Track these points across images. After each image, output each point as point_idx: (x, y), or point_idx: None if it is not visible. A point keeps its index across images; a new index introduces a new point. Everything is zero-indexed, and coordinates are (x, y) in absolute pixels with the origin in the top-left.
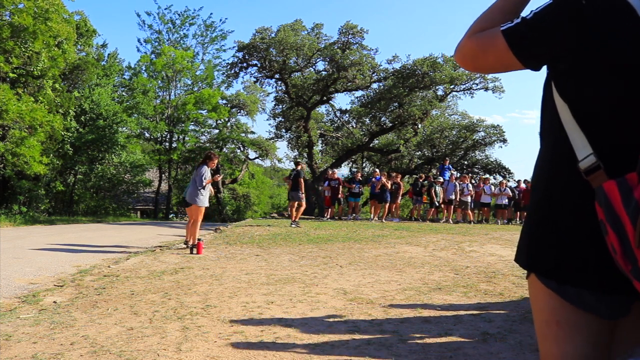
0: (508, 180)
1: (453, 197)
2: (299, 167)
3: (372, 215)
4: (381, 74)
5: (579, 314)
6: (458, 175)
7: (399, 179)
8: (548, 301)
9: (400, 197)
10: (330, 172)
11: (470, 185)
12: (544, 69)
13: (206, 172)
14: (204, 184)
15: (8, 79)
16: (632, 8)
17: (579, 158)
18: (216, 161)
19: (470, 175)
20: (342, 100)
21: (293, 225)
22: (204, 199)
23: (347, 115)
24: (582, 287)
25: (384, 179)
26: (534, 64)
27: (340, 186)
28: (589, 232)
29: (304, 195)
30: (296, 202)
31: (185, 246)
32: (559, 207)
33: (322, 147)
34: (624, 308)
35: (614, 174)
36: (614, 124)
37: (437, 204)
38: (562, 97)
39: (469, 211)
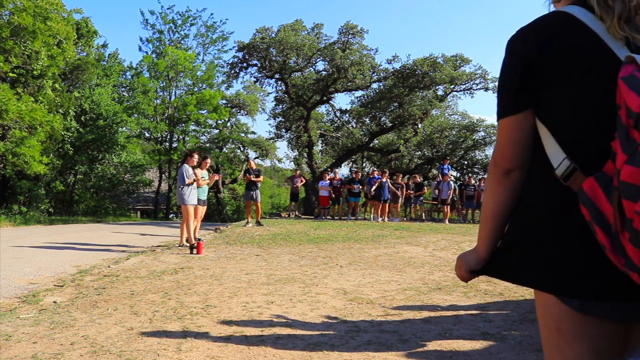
0: None
1: (448, 196)
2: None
3: (372, 215)
4: (381, 74)
5: (580, 320)
6: (447, 173)
7: (400, 179)
8: (549, 307)
9: (402, 198)
10: (330, 173)
11: (388, 181)
12: None
13: (186, 170)
14: (186, 182)
15: (8, 79)
16: (590, 29)
17: (554, 166)
18: (196, 157)
19: (471, 175)
20: (342, 100)
21: (250, 225)
22: (189, 197)
23: (347, 115)
24: (582, 297)
25: (384, 179)
26: (529, 103)
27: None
28: (579, 242)
29: (249, 193)
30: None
31: (180, 248)
32: (544, 219)
33: (322, 147)
34: (632, 314)
35: (591, 173)
36: (584, 128)
37: (439, 203)
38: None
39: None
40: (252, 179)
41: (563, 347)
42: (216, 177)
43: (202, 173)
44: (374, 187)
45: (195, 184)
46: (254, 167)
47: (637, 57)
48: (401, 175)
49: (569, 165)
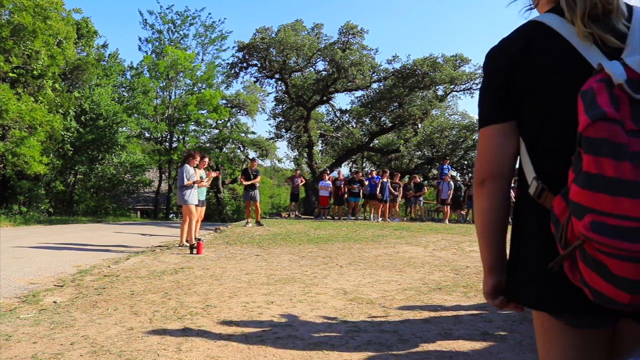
0: None
1: (448, 196)
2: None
3: (371, 215)
4: (381, 74)
5: (558, 322)
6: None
7: (397, 179)
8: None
9: (400, 197)
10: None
11: (388, 182)
12: None
13: (187, 171)
14: (184, 183)
15: (8, 79)
16: (564, 39)
17: (528, 184)
18: (198, 158)
19: (471, 175)
20: (342, 100)
21: (250, 225)
22: (190, 197)
23: (347, 115)
24: (553, 312)
25: (384, 179)
26: (510, 115)
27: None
28: (548, 258)
29: (249, 193)
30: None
31: (180, 248)
32: (521, 237)
33: (322, 147)
34: (608, 320)
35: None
36: (552, 145)
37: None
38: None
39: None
40: (244, 182)
41: (547, 344)
42: (213, 175)
43: (200, 172)
44: (377, 188)
45: (195, 184)
46: (254, 168)
47: (605, 65)
48: (399, 175)
49: (537, 186)
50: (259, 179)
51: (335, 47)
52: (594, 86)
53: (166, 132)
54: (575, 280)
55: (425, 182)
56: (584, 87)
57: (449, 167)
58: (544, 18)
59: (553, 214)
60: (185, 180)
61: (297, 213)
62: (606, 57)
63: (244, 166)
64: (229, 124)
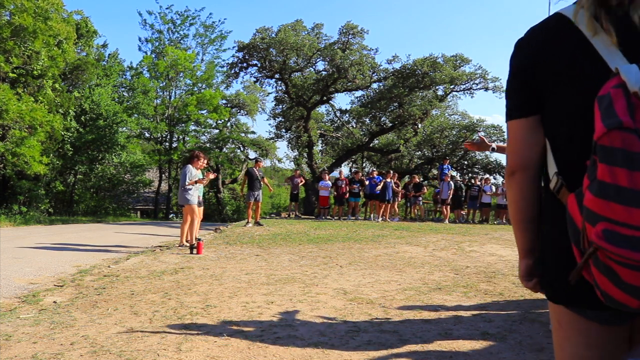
0: None
1: (448, 196)
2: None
3: (372, 215)
4: (381, 74)
5: (575, 317)
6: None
7: (395, 179)
8: (551, 303)
9: (399, 197)
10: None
11: (392, 182)
12: None
13: (189, 171)
14: (186, 183)
15: (8, 79)
16: (582, 35)
17: (550, 178)
18: (202, 160)
19: (473, 175)
20: (342, 100)
21: (250, 225)
22: (192, 197)
23: (347, 115)
24: (571, 305)
25: (388, 179)
26: (534, 110)
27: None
28: (567, 254)
29: (253, 194)
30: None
31: (180, 248)
32: (542, 231)
33: (322, 147)
34: (623, 317)
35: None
36: (573, 144)
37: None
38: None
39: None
40: (243, 191)
41: (562, 340)
42: (212, 176)
43: (198, 173)
44: (378, 188)
45: (197, 183)
46: (259, 168)
47: (621, 70)
48: (397, 175)
49: (557, 181)
50: (267, 181)
51: (335, 47)
52: (611, 92)
53: (166, 132)
54: (591, 280)
55: (425, 182)
56: (601, 92)
57: (449, 167)
58: (568, 11)
59: (567, 211)
60: (188, 180)
61: (297, 213)
62: (626, 58)
63: (245, 166)
64: (229, 124)
